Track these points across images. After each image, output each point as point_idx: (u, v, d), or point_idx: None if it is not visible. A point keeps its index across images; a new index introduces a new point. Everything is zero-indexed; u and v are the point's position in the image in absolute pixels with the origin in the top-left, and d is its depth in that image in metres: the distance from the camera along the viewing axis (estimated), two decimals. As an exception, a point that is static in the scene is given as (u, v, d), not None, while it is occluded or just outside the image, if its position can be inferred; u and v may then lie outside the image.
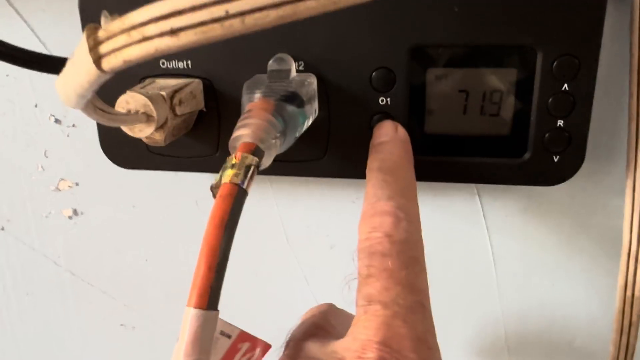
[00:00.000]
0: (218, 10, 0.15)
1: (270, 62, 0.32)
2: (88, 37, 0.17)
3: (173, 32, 0.16)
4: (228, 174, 0.26)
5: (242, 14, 0.15)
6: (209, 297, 0.24)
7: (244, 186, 0.26)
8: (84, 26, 0.34)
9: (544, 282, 0.40)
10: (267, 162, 0.27)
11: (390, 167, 0.27)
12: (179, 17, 0.15)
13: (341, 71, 0.33)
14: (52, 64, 0.34)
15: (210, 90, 0.34)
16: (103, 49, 0.17)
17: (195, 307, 0.23)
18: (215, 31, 0.15)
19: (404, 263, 0.22)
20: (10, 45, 0.32)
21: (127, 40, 0.16)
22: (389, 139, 0.30)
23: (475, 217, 0.39)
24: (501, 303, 0.41)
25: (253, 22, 0.15)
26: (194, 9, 0.15)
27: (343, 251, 0.42)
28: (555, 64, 0.31)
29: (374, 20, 0.32)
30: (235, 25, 0.15)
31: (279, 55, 0.33)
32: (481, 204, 0.39)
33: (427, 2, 0.31)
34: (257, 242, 0.43)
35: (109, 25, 0.17)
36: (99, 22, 0.35)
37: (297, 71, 0.33)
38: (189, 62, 0.34)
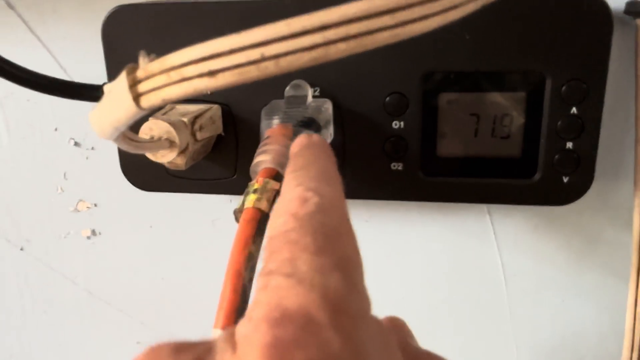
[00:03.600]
0: (254, 53, 0.16)
1: (287, 88, 0.33)
2: (127, 76, 0.18)
3: (211, 73, 0.17)
4: (251, 199, 0.27)
5: (277, 56, 0.16)
6: (235, 319, 0.24)
7: (267, 211, 0.27)
8: (106, 53, 0.36)
9: (555, 300, 0.41)
10: (287, 186, 0.28)
11: (303, 164, 0.24)
12: (217, 59, 0.16)
13: (356, 96, 0.34)
14: (72, 90, 0.35)
15: (228, 115, 0.35)
16: (142, 87, 0.18)
17: (222, 329, 0.24)
18: (251, 73, 0.16)
19: (311, 229, 0.18)
20: (31, 71, 0.33)
21: (167, 80, 0.17)
22: (301, 147, 0.27)
23: (486, 236, 0.40)
24: (512, 320, 0.42)
25: (287, 64, 0.16)
26: (231, 52, 0.16)
27: (356, 269, 0.43)
28: (563, 88, 0.32)
29: (388, 47, 0.33)
30: (270, 67, 0.16)
31: (296, 81, 0.34)
32: (492, 222, 0.40)
33: (439, 30, 0.32)
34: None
35: (148, 66, 0.18)
36: (120, 49, 0.36)
37: (313, 97, 0.34)
38: (208, 88, 0.35)
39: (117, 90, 0.19)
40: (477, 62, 0.32)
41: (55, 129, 0.43)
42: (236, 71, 0.16)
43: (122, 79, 0.19)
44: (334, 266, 0.17)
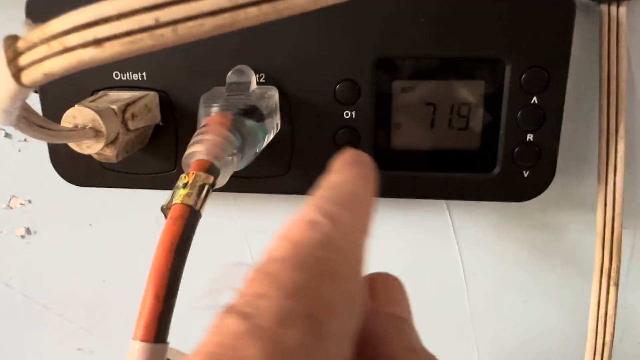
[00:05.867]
0: (147, 19, 0.14)
1: (229, 74, 0.31)
2: (7, 48, 0.16)
3: (97, 42, 0.14)
4: (180, 194, 0.25)
5: (174, 22, 0.14)
6: (157, 329, 0.22)
7: (197, 207, 0.24)
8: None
9: (517, 300, 0.39)
10: (222, 180, 0.26)
11: (335, 182, 0.21)
12: (103, 25, 0.14)
13: (304, 83, 0.31)
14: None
15: (166, 103, 0.33)
16: (22, 60, 0.15)
17: (142, 340, 0.21)
18: (145, 42, 0.14)
19: (302, 263, 0.16)
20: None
21: (47, 51, 0.15)
22: (343, 162, 0.23)
23: (445, 233, 0.38)
24: (473, 321, 0.40)
25: (187, 31, 0.14)
26: (120, 16, 0.14)
27: (310, 269, 0.40)
28: (524, 76, 0.30)
29: (338, 31, 0.30)
30: (166, 35, 0.14)
31: (239, 66, 0.31)
32: (451, 219, 0.38)
33: (392, 13, 0.30)
34: (219, 261, 0.41)
35: (28, 35, 0.15)
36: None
37: (258, 84, 0.31)
38: (144, 73, 0.32)
39: (-1, 66, 0.16)
40: (433, 47, 0.30)
41: (-16, 119, 0.39)
42: (126, 40, 0.14)
43: (1, 52, 0.16)
44: (305, 315, 0.15)
